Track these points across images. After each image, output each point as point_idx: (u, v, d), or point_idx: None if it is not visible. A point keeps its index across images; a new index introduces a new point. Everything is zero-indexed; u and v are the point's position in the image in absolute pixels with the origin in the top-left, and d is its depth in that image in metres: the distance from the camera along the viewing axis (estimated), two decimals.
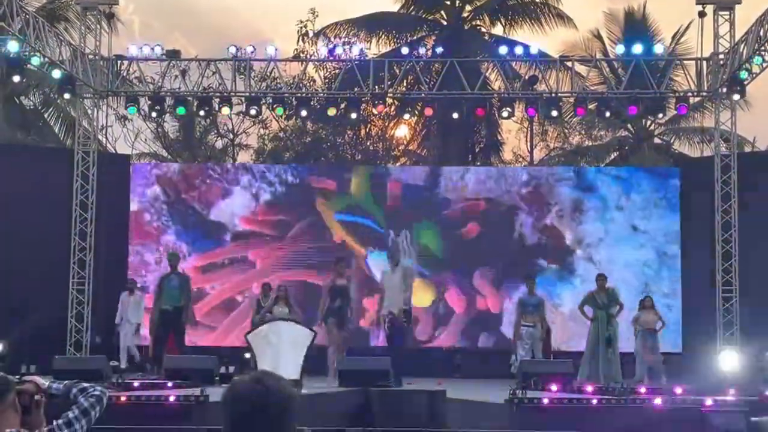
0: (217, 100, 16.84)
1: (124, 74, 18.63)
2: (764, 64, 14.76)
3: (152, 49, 16.55)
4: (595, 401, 9.93)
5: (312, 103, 17.56)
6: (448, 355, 17.54)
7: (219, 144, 25.03)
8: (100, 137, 18.52)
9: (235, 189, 18.48)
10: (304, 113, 17.03)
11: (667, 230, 17.88)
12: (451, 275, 18.13)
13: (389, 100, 19.38)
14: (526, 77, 17.65)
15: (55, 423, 3.40)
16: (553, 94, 16.62)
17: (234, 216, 18.38)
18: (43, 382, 3.50)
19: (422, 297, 17.62)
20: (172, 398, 9.84)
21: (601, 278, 14.79)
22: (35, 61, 15.13)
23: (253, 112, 17.12)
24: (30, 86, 23.16)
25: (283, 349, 11.63)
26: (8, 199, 16.39)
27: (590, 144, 25.15)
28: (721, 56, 15.90)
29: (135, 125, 22.95)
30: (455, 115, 17.38)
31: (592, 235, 18.11)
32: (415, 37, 24.23)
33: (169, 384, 11.69)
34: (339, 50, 17.88)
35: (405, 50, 17.58)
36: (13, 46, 14.07)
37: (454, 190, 18.34)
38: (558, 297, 17.80)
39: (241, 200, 18.43)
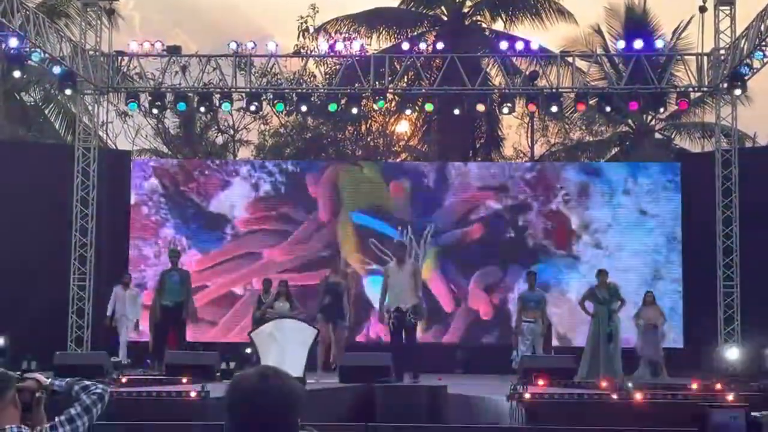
0: (218, 96, 16.84)
1: (125, 70, 18.62)
2: (765, 59, 14.76)
3: (153, 45, 16.55)
4: (596, 397, 9.93)
5: (312, 99, 17.55)
6: (449, 351, 17.54)
7: (219, 140, 25.05)
8: (100, 133, 18.53)
9: (234, 180, 18.38)
10: (304, 109, 17.03)
11: (676, 213, 17.66)
12: (453, 272, 18.12)
13: (390, 96, 19.36)
14: (527, 73, 17.66)
15: (57, 419, 3.41)
16: (554, 90, 16.61)
17: (234, 207, 18.24)
18: (45, 379, 3.51)
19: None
20: (173, 394, 9.85)
21: (602, 274, 14.77)
22: (36, 57, 15.14)
23: (253, 108, 17.12)
24: (30, 82, 23.15)
25: (287, 347, 11.63)
26: (9, 195, 16.40)
27: (591, 139, 25.14)
28: (722, 51, 15.90)
29: (135, 121, 22.97)
30: (456, 111, 17.37)
31: (599, 221, 17.95)
32: (415, 33, 24.21)
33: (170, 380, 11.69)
34: (339, 46, 17.87)
35: (405, 46, 17.55)
36: (13, 42, 14.07)
37: (459, 182, 18.24)
38: (565, 284, 17.69)
39: (240, 191, 18.27)
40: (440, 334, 17.92)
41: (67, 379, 3.57)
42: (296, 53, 20.01)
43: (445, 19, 25.12)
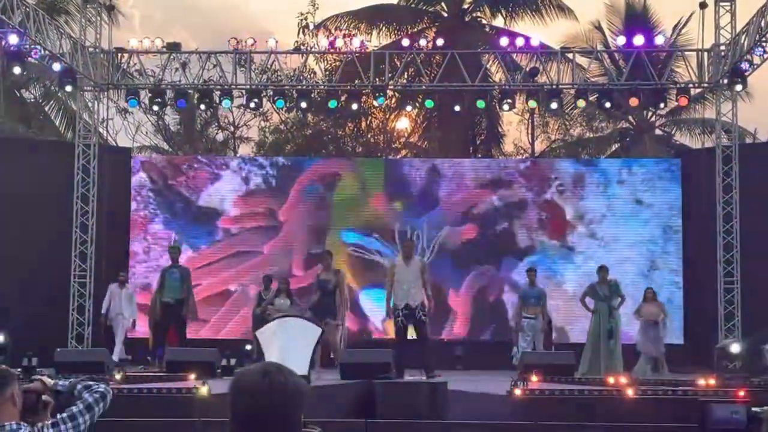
0: (218, 92, 16.83)
1: (125, 67, 18.62)
2: (765, 55, 14.74)
3: (153, 41, 16.53)
4: (596, 393, 9.94)
5: (312, 96, 17.53)
6: (449, 347, 17.54)
7: (220, 137, 25.04)
8: (100, 130, 18.52)
9: (224, 174, 18.23)
10: (304, 105, 17.02)
11: (673, 204, 17.61)
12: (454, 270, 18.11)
13: (390, 93, 19.34)
14: (527, 69, 17.64)
15: (59, 416, 3.43)
16: (554, 86, 16.60)
17: (224, 201, 18.08)
18: (50, 381, 3.54)
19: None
20: (173, 391, 9.85)
21: (602, 270, 14.77)
22: (35, 54, 15.11)
23: (253, 104, 17.11)
24: (30, 79, 23.14)
25: (291, 345, 11.61)
26: (9, 192, 16.39)
27: (591, 136, 25.14)
28: (723, 47, 15.88)
29: (136, 118, 22.97)
30: (457, 108, 17.35)
31: (594, 211, 17.88)
32: (415, 29, 24.21)
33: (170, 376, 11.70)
34: (339, 43, 17.86)
35: (406, 42, 17.54)
36: (13, 39, 14.06)
37: (453, 177, 18.19)
38: (560, 275, 17.61)
39: (230, 185, 18.14)
40: (440, 331, 17.92)
41: (70, 380, 3.61)
42: (296, 50, 19.99)
43: (445, 15, 25.11)
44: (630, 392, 9.66)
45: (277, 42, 16.78)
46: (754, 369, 13.02)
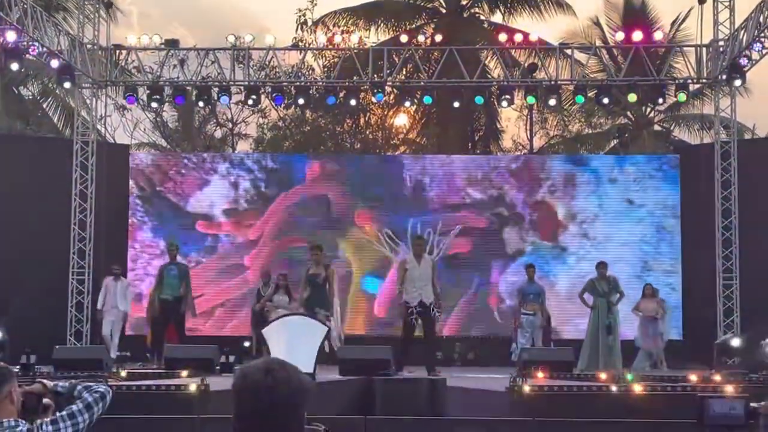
0: (216, 89, 16.82)
1: (123, 64, 18.61)
2: (764, 51, 14.74)
3: (151, 38, 16.51)
4: (595, 389, 9.94)
5: (311, 92, 17.53)
6: (448, 344, 17.55)
7: (218, 133, 25.03)
8: (99, 127, 18.50)
9: (212, 178, 18.09)
10: (302, 102, 17.01)
11: (666, 203, 17.56)
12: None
13: (388, 89, 19.33)
14: (526, 65, 17.63)
15: (58, 414, 3.44)
16: (553, 82, 16.60)
17: (213, 206, 17.96)
18: (50, 383, 3.56)
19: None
20: (172, 388, 9.84)
21: (601, 266, 14.78)
22: (33, 50, 15.09)
23: (251, 101, 17.09)
24: (28, 76, 23.13)
25: (296, 343, 11.59)
26: (7, 189, 16.39)
27: (590, 132, 25.13)
28: (721, 43, 15.88)
29: (134, 115, 22.95)
30: (455, 104, 17.34)
31: (586, 211, 17.82)
32: (414, 26, 24.17)
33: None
34: (338, 39, 17.83)
35: (404, 38, 17.56)
36: (11, 36, 14.04)
37: (443, 175, 18.12)
38: (553, 275, 17.54)
39: (220, 190, 18.00)
40: (439, 327, 17.90)
41: (71, 380, 3.62)
42: (294, 46, 19.97)
43: (444, 11, 25.07)
44: (626, 388, 9.67)
45: (275, 38, 16.77)
46: (753, 364, 13.03)
